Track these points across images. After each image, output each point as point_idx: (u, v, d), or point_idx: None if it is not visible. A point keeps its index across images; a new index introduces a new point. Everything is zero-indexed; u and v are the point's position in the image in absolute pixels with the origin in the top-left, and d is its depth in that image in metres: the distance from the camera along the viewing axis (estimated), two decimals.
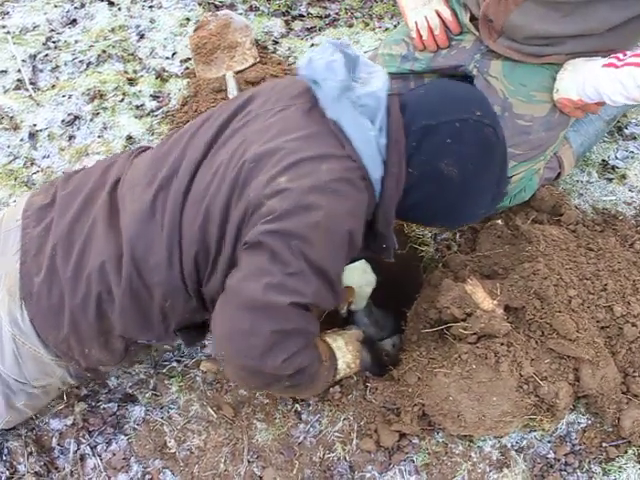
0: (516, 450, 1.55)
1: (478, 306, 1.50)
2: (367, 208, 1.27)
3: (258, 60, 2.37)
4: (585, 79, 1.56)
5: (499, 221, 1.80)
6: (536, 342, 1.49)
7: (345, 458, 1.52)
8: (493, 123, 1.32)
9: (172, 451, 1.60)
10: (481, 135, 1.30)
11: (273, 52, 2.45)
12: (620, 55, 1.54)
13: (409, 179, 1.31)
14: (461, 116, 1.29)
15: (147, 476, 1.58)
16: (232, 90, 2.23)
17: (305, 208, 1.15)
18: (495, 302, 1.52)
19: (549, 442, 1.56)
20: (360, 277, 1.76)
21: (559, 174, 1.88)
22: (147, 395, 1.68)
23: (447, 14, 1.80)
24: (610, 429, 1.55)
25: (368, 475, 1.52)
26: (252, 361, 1.19)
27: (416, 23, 1.84)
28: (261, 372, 1.22)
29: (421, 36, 1.83)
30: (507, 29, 1.65)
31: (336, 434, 1.55)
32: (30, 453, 1.63)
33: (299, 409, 1.59)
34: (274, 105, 1.34)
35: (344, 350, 1.49)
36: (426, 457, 1.52)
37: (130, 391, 1.70)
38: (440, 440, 1.53)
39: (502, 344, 1.45)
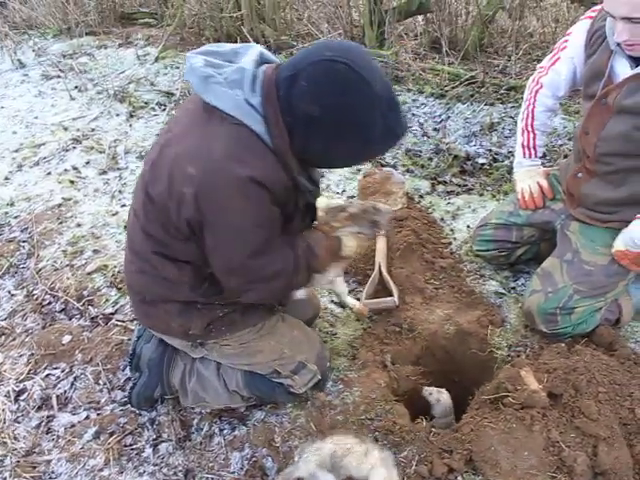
0: None
1: (527, 385, 2.00)
2: (266, 155, 1.56)
3: (405, 206, 3.13)
4: (628, 232, 2.15)
5: (563, 344, 2.29)
6: (566, 420, 1.94)
7: (403, 478, 1.98)
8: (346, 59, 1.47)
9: (277, 445, 2.14)
10: (331, 71, 1.47)
11: (417, 203, 3.22)
12: None
13: (288, 125, 1.55)
14: (313, 59, 1.48)
15: (254, 458, 2.11)
16: None
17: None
18: (540, 387, 2.01)
19: None
20: None
21: (618, 319, 2.36)
22: (269, 406, 2.25)
23: (545, 184, 2.50)
24: None
25: None
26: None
27: (522, 189, 2.54)
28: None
29: (524, 198, 2.51)
30: (581, 198, 2.29)
31: (400, 458, 2.02)
32: (174, 426, 2.24)
33: (378, 436, 2.10)
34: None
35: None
36: None
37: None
38: None
39: (538, 412, 1.93)
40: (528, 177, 2.56)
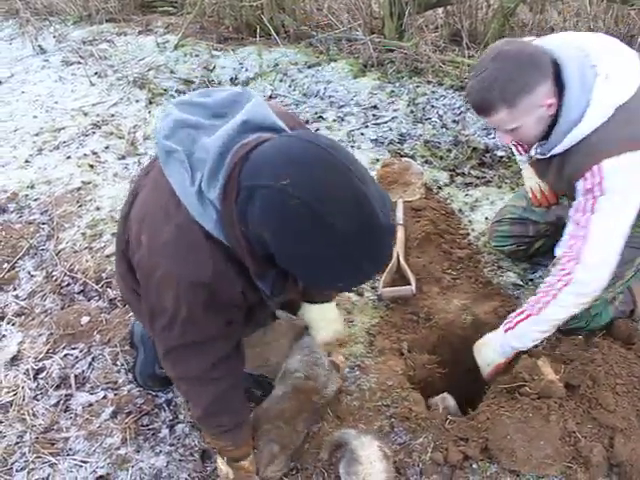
0: None
1: (544, 375, 2.00)
2: (214, 256, 1.39)
3: (424, 197, 3.12)
4: None
5: (580, 336, 2.28)
6: (583, 411, 1.94)
7: (418, 465, 1.99)
8: (304, 195, 1.19)
9: None
10: (284, 207, 1.20)
11: (436, 194, 3.21)
12: None
13: (244, 233, 1.33)
14: (268, 182, 1.22)
15: None
16: (399, 212, 2.97)
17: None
18: (558, 377, 2.01)
19: None
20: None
21: (633, 311, 2.35)
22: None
23: None
24: None
25: None
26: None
27: (531, 188, 2.51)
28: None
29: (536, 197, 2.49)
30: None
31: (416, 445, 2.03)
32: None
33: (394, 423, 2.11)
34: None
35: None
36: None
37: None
38: (494, 470, 1.96)
39: (555, 402, 1.93)
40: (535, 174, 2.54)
